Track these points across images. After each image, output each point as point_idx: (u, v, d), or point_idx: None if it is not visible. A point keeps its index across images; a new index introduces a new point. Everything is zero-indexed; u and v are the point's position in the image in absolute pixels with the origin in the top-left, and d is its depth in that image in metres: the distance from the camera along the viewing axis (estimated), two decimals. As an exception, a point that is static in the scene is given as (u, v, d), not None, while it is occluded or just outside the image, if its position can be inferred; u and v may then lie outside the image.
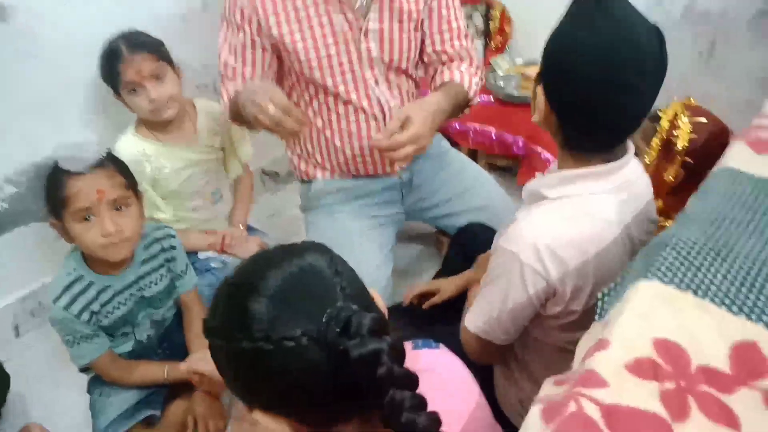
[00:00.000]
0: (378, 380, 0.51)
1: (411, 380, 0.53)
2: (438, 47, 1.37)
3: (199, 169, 1.53)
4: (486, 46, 2.29)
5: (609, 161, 0.87)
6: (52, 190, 1.10)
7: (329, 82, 1.31)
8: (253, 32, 1.27)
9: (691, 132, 1.40)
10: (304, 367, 0.52)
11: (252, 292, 0.55)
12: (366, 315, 0.52)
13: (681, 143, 1.41)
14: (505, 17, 2.24)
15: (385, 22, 1.27)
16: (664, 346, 0.57)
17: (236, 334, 0.54)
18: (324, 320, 0.52)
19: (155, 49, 1.39)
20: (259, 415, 0.56)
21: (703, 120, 1.42)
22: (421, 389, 0.54)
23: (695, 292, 0.63)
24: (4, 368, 1.39)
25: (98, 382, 1.30)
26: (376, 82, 1.33)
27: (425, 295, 1.36)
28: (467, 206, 1.51)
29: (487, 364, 1.12)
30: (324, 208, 1.49)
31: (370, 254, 1.41)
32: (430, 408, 0.53)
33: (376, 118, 1.36)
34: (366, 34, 1.26)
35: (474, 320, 0.98)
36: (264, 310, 0.53)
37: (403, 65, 1.34)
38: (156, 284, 1.29)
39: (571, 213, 0.86)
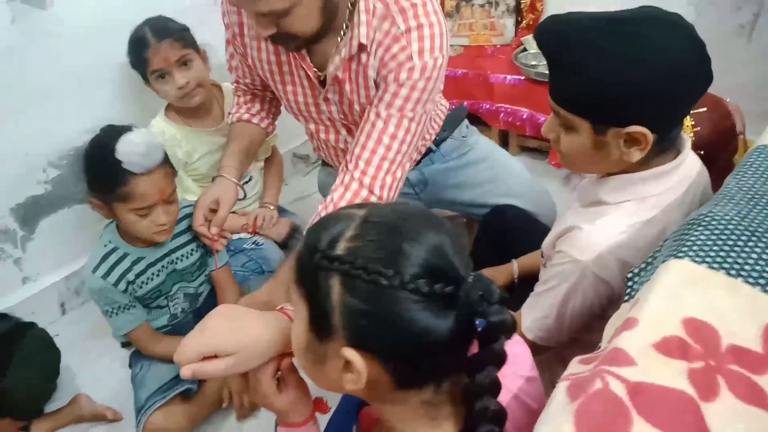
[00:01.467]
0: (488, 353, 0.55)
1: (503, 362, 0.56)
2: (352, 144, 1.23)
3: None
4: (517, 24, 2.25)
5: (671, 159, 0.84)
6: (109, 181, 1.17)
7: (301, 120, 1.36)
8: (239, 50, 1.30)
9: (693, 125, 1.35)
10: (437, 320, 0.53)
11: (410, 237, 0.54)
12: (497, 287, 0.54)
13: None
14: (537, -6, 2.19)
15: (343, 97, 1.23)
16: (694, 326, 0.57)
17: (382, 273, 0.52)
18: (470, 281, 0.54)
19: (180, 35, 1.42)
20: (350, 353, 0.54)
21: (702, 110, 1.36)
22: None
23: (728, 272, 0.62)
24: (55, 344, 1.47)
25: (139, 356, 1.37)
26: (345, 130, 1.33)
27: None
28: (495, 195, 1.47)
29: None
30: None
31: None
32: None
33: (346, 152, 1.35)
34: (326, 100, 1.26)
35: (530, 328, 0.96)
36: (423, 258, 0.53)
37: None
38: (187, 257, 1.36)
39: (635, 218, 0.84)
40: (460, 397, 0.59)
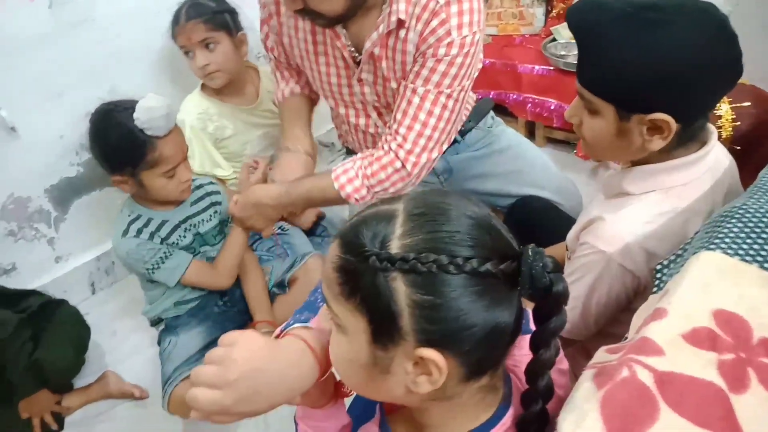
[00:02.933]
0: (553, 325, 0.54)
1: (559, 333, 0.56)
2: (390, 120, 1.24)
3: (259, 132, 1.58)
4: (547, 13, 2.21)
5: (695, 151, 0.83)
6: (136, 152, 1.20)
7: (332, 103, 1.36)
8: (274, 29, 1.31)
9: (733, 120, 1.31)
10: (502, 303, 0.52)
11: (462, 222, 0.52)
12: (548, 257, 0.52)
13: (725, 133, 1.33)
14: (568, -17, 2.15)
15: (377, 77, 1.24)
16: (724, 317, 0.56)
17: (448, 261, 0.50)
18: (530, 254, 0.51)
19: (210, 17, 1.45)
20: (428, 352, 0.51)
21: (746, 104, 1.31)
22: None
23: (761, 265, 0.61)
24: (85, 321, 1.51)
25: (167, 332, 1.41)
26: (376, 114, 1.34)
27: None
28: (520, 186, 1.46)
29: None
30: None
31: None
32: None
33: (375, 137, 1.38)
34: (360, 81, 1.26)
35: None
36: (480, 239, 0.52)
37: (393, 109, 1.30)
38: (208, 221, 1.41)
39: (660, 209, 0.83)
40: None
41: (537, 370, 0.57)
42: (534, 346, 0.56)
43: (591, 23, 0.79)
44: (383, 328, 0.52)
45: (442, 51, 1.10)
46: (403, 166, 1.18)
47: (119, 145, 1.21)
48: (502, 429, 0.59)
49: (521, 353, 0.63)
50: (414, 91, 1.14)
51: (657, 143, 0.80)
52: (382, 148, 1.19)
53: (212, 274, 1.38)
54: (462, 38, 1.10)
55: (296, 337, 0.64)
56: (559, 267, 0.53)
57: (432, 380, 0.52)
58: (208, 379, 0.58)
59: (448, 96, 1.15)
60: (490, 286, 0.51)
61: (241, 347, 0.59)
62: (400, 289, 0.50)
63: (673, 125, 0.77)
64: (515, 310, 0.53)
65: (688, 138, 0.82)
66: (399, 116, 1.17)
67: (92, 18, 1.54)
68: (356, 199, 1.21)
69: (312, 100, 1.46)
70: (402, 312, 0.51)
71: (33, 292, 1.50)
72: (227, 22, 1.49)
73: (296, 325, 0.67)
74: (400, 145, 1.17)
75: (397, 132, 1.17)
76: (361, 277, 0.52)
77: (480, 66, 1.24)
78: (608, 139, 0.84)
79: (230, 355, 0.59)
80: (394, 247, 0.51)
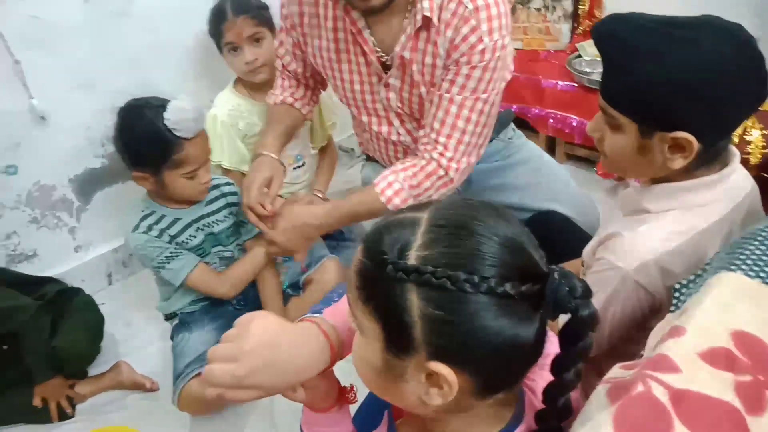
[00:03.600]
0: (578, 350, 0.53)
1: (587, 357, 0.55)
2: (426, 129, 1.25)
3: None
4: (573, 30, 2.21)
5: (717, 171, 0.83)
6: (162, 151, 1.22)
7: (354, 112, 1.38)
8: (294, 40, 1.33)
9: (764, 146, 1.29)
10: (520, 326, 0.50)
11: (486, 237, 0.50)
12: (578, 279, 0.51)
13: (754, 159, 1.31)
14: (595, 1, 2.15)
15: (404, 83, 1.25)
16: (743, 339, 0.56)
17: (464, 277, 0.48)
18: (555, 277, 0.50)
19: (257, 12, 1.49)
20: (439, 367, 0.50)
21: None
22: None
23: (783, 289, 0.60)
24: (100, 310, 1.54)
25: (181, 327, 1.42)
26: (398, 121, 1.35)
27: None
28: (538, 200, 1.45)
29: None
30: None
31: None
32: None
33: (402, 147, 1.39)
34: (387, 86, 1.27)
35: None
36: (502, 257, 0.50)
37: (417, 117, 1.33)
38: (222, 221, 1.42)
39: (679, 227, 0.82)
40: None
41: (556, 392, 0.56)
42: (556, 368, 0.56)
43: (619, 37, 0.80)
44: (396, 337, 0.52)
45: (476, 58, 1.13)
46: (446, 173, 1.22)
47: (146, 142, 1.23)
48: None
49: (540, 371, 0.62)
50: (451, 100, 1.17)
51: (678, 162, 0.80)
52: (424, 157, 1.22)
53: (217, 282, 1.37)
54: (494, 42, 1.12)
55: (310, 322, 0.67)
56: (589, 292, 0.52)
57: (442, 394, 0.52)
58: (224, 352, 0.62)
59: (485, 101, 1.18)
60: (509, 306, 0.50)
61: (257, 322, 0.63)
62: (414, 301, 0.50)
63: (695, 145, 0.77)
64: (537, 330, 0.52)
65: (710, 158, 0.82)
66: (437, 125, 1.19)
67: (129, 11, 1.57)
68: None
69: (303, 116, 1.47)
70: (415, 324, 0.50)
71: (50, 279, 1.53)
72: (269, 18, 1.53)
73: (310, 314, 0.69)
74: (441, 154, 1.21)
75: (437, 141, 1.20)
76: (377, 284, 0.52)
77: (512, 68, 1.26)
78: (629, 155, 0.83)
79: (246, 329, 0.63)
80: (412, 257, 0.50)
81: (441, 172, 1.22)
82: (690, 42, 0.74)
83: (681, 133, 0.76)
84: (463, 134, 1.19)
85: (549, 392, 0.57)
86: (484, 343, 0.49)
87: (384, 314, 0.52)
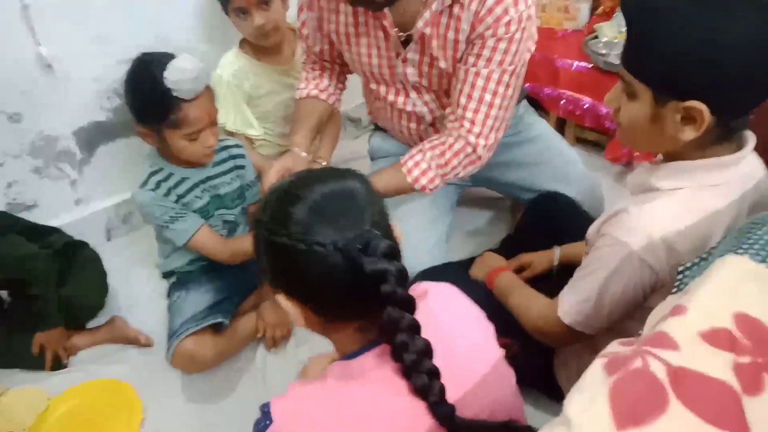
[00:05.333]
0: (381, 295, 0.62)
1: (409, 304, 0.64)
2: (452, 107, 1.25)
3: (293, 93, 1.58)
4: (593, 10, 2.17)
5: (730, 152, 0.81)
6: (160, 110, 1.20)
7: (373, 85, 1.36)
8: (313, 10, 1.31)
9: None
10: (326, 270, 0.64)
11: (297, 198, 0.65)
12: (383, 240, 0.63)
13: None
14: (618, -19, 2.10)
15: (424, 56, 1.23)
16: (746, 321, 0.55)
17: (278, 230, 0.65)
18: (350, 236, 0.63)
19: None
20: (281, 298, 0.69)
21: None
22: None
23: (790, 274, 0.59)
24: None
25: (177, 286, 1.42)
26: (415, 93, 1.33)
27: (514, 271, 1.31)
28: (544, 179, 1.45)
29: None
30: (381, 161, 1.53)
31: (423, 208, 1.42)
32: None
33: (416, 118, 1.37)
34: (405, 61, 1.25)
35: (568, 312, 0.94)
36: (304, 216, 0.64)
37: (435, 88, 1.31)
38: (228, 184, 1.41)
39: (688, 206, 0.82)
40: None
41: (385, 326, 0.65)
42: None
43: (649, 5, 0.77)
44: (265, 270, 0.71)
45: (502, 30, 1.12)
46: (474, 150, 1.23)
47: (147, 98, 1.22)
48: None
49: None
50: (477, 74, 1.16)
51: (689, 134, 0.78)
52: (451, 134, 1.22)
53: (219, 248, 1.37)
54: (519, 14, 1.11)
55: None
56: (391, 251, 0.63)
57: (294, 320, 0.71)
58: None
59: (511, 73, 1.17)
60: (316, 255, 0.64)
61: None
62: (261, 246, 0.70)
63: (707, 115, 0.75)
64: (345, 278, 0.64)
65: (724, 137, 0.81)
66: (463, 101, 1.19)
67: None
68: (430, 189, 1.26)
69: (330, 106, 1.46)
70: (263, 264, 0.71)
71: (56, 230, 1.53)
72: None
73: None
74: (469, 131, 1.20)
75: (463, 117, 1.20)
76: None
77: (536, 37, 1.24)
78: (643, 125, 0.83)
79: None
80: (265, 216, 0.69)
81: (469, 149, 1.22)
82: (723, 13, 0.72)
83: (694, 102, 0.75)
84: (491, 108, 1.19)
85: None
86: (297, 278, 0.68)
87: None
